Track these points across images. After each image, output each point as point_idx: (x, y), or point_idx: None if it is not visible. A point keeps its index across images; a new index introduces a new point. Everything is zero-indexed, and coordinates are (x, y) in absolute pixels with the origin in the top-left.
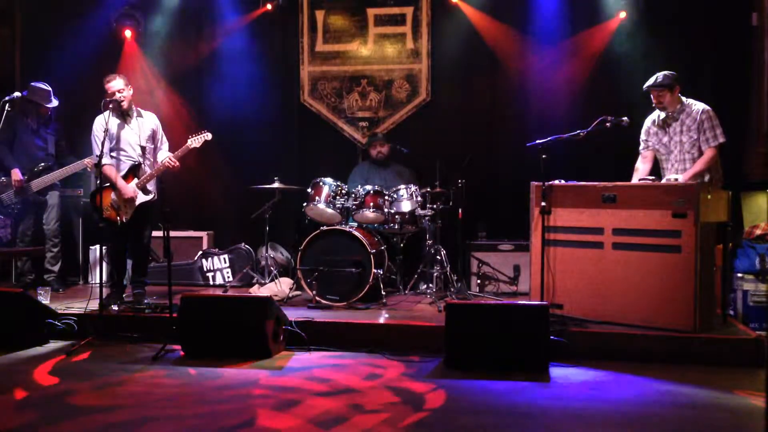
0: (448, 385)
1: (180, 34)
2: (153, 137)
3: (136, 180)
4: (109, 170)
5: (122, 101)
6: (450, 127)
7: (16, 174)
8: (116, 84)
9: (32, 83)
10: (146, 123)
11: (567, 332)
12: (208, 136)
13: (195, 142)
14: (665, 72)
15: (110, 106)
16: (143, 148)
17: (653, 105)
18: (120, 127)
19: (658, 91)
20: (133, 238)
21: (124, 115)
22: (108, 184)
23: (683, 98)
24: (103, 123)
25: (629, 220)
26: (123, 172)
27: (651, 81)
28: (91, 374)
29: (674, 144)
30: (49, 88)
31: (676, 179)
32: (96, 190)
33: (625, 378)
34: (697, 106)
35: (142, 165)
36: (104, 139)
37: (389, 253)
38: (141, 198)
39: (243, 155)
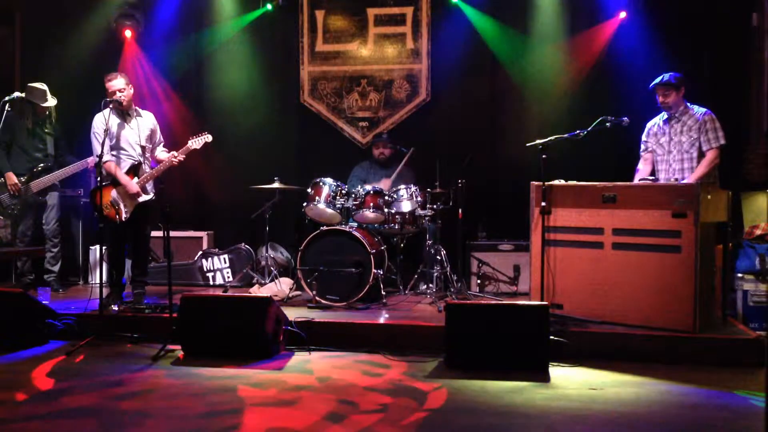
0: (448, 385)
1: (180, 34)
2: (152, 137)
3: (136, 179)
4: (111, 166)
5: (123, 100)
6: (450, 127)
7: (11, 178)
8: (118, 83)
9: (29, 84)
10: (145, 122)
11: (567, 332)
12: (209, 137)
13: (195, 143)
14: (673, 72)
15: (111, 105)
16: (143, 148)
17: (658, 104)
18: (120, 127)
19: (664, 89)
20: (132, 237)
21: (123, 115)
22: (107, 183)
23: (687, 102)
24: (104, 121)
25: (629, 220)
26: (123, 171)
27: (658, 79)
28: (91, 374)
29: (674, 144)
30: (45, 88)
31: (677, 179)
32: (96, 188)
33: (625, 378)
34: (701, 109)
35: (143, 164)
36: (104, 137)
37: (389, 253)
38: (141, 197)
39: (243, 155)
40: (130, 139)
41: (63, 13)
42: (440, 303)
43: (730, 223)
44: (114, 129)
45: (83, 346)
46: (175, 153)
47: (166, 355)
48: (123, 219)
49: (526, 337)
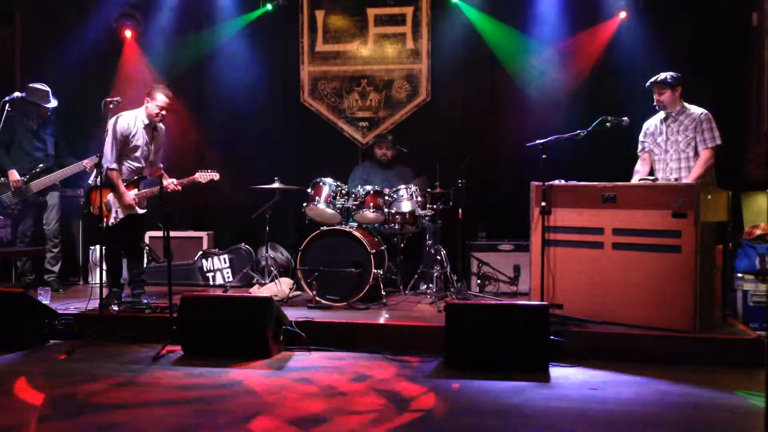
0: (448, 385)
1: (180, 34)
2: (159, 152)
3: (135, 191)
4: (114, 175)
5: (156, 115)
6: (450, 127)
7: (14, 175)
8: (167, 100)
9: (30, 84)
10: (160, 139)
11: (567, 332)
12: (216, 176)
13: (202, 177)
14: (670, 72)
15: (111, 106)
16: (150, 163)
17: (654, 103)
18: (142, 139)
19: (659, 88)
20: (126, 243)
21: (149, 127)
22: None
23: (684, 102)
24: (126, 126)
25: (629, 220)
26: (123, 178)
27: (654, 78)
28: (91, 374)
29: (670, 144)
30: (48, 89)
31: (676, 179)
32: (95, 186)
33: (625, 378)
34: (698, 109)
35: (144, 179)
36: (113, 143)
37: (389, 254)
38: (135, 210)
39: (243, 155)
40: (144, 152)
41: (63, 13)
42: (440, 303)
43: (730, 223)
44: (135, 138)
45: (83, 345)
46: (174, 180)
47: (166, 355)
48: (109, 224)
49: (526, 337)
